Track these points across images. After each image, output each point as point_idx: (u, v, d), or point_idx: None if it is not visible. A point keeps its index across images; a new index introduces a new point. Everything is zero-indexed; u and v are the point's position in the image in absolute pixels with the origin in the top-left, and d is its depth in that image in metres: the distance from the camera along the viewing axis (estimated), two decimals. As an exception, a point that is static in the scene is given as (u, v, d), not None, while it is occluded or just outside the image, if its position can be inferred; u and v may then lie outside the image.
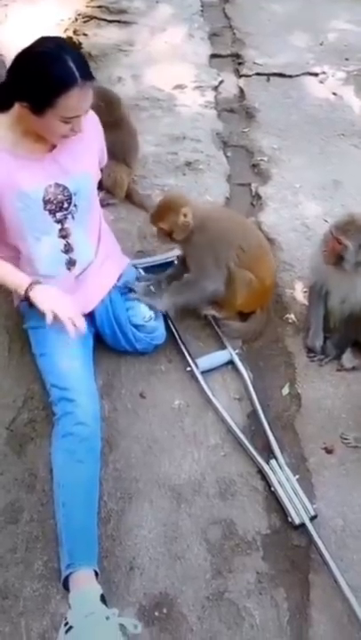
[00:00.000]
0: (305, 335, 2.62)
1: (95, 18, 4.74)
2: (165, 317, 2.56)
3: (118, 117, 3.04)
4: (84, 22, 4.68)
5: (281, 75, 4.33)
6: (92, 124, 2.22)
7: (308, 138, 3.79)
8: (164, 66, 4.28)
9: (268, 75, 4.33)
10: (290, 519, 2.06)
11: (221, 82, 4.25)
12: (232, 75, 4.40)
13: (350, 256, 2.35)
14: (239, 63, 4.49)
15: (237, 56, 4.56)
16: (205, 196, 3.25)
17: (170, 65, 4.30)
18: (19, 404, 2.35)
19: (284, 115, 3.97)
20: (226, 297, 2.58)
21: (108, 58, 4.30)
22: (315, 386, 2.50)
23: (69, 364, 2.22)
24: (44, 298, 2.16)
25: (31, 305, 2.19)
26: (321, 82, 4.29)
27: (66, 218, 2.21)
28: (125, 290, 2.49)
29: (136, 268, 2.70)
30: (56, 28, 4.42)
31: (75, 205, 2.20)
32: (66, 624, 1.77)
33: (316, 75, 4.34)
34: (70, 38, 4.25)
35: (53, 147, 2.12)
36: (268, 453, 2.24)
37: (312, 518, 2.05)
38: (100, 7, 4.85)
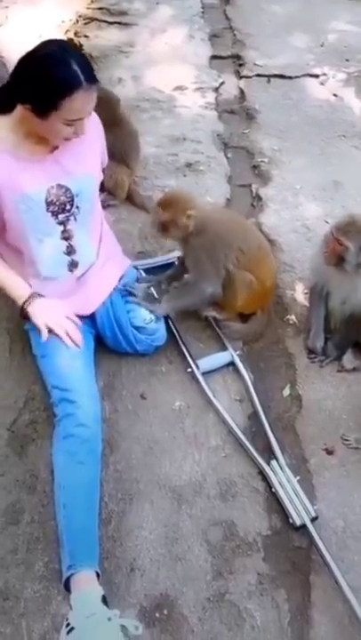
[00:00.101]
0: (306, 336, 2.62)
1: (96, 19, 4.75)
2: (166, 318, 2.57)
3: (117, 117, 3.04)
4: (85, 24, 4.69)
5: (281, 76, 4.34)
6: (93, 125, 2.22)
7: (308, 139, 3.79)
8: (164, 67, 4.29)
9: (269, 76, 4.33)
10: (291, 520, 2.06)
11: (222, 83, 4.26)
12: (232, 76, 4.41)
13: (351, 257, 2.35)
14: (240, 64, 4.50)
15: (238, 57, 4.57)
16: (206, 197, 3.26)
17: (170, 66, 4.30)
18: (20, 405, 2.36)
19: (284, 116, 3.98)
20: (226, 298, 2.58)
21: (109, 59, 4.31)
22: (315, 387, 2.50)
23: (70, 365, 2.22)
24: (40, 312, 2.22)
25: (27, 318, 2.22)
26: (321, 83, 4.29)
27: (68, 219, 2.21)
28: (126, 292, 2.49)
29: (137, 269, 2.70)
30: (57, 29, 4.44)
31: (77, 207, 2.21)
32: (67, 625, 1.77)
33: (316, 76, 4.35)
34: (71, 40, 4.26)
35: (55, 148, 2.13)
36: (269, 454, 2.24)
37: (313, 519, 2.05)
38: (100, 9, 4.86)
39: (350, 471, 2.23)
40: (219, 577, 1.96)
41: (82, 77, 1.89)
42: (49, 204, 2.15)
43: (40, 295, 2.25)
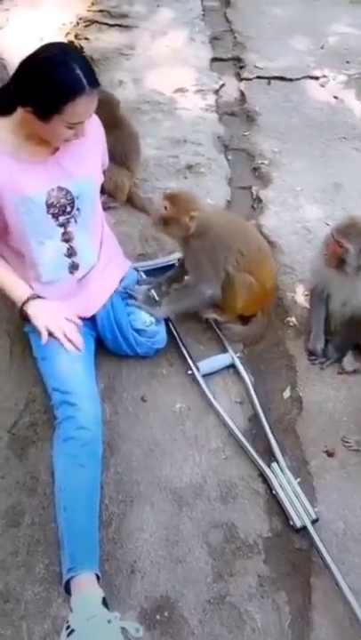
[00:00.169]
0: (306, 338, 2.62)
1: (96, 22, 4.76)
2: (167, 321, 2.57)
3: (117, 119, 3.05)
4: (86, 26, 4.70)
5: (282, 78, 4.34)
6: (94, 127, 2.22)
7: (308, 141, 3.79)
8: (165, 69, 4.29)
9: (269, 78, 4.34)
10: (291, 522, 2.06)
11: (222, 85, 4.27)
12: (233, 78, 4.41)
13: (352, 259, 2.35)
14: (240, 67, 4.50)
15: (238, 60, 4.57)
16: (206, 199, 3.25)
17: (171, 69, 4.31)
18: (20, 407, 2.36)
19: (284, 118, 3.98)
20: (227, 300, 2.58)
21: (110, 62, 4.32)
22: (316, 389, 2.50)
23: (71, 367, 2.22)
24: (40, 314, 2.22)
25: (27, 320, 2.22)
26: (322, 85, 4.29)
27: (69, 221, 2.22)
28: (126, 295, 2.50)
29: (137, 271, 2.70)
30: (57, 32, 4.45)
31: (77, 209, 2.21)
32: (67, 627, 1.77)
33: (316, 78, 4.35)
34: (72, 42, 4.27)
35: (56, 149, 2.13)
36: (270, 456, 2.24)
37: (313, 521, 2.05)
38: (101, 11, 4.87)
39: (351, 473, 2.23)
40: (219, 579, 1.96)
41: (85, 81, 1.89)
42: (49, 206, 2.15)
43: (40, 297, 2.25)
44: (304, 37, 4.79)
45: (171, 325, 2.59)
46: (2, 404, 2.37)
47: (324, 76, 4.35)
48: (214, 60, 4.54)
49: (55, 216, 2.18)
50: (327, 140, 3.81)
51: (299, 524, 2.04)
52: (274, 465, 2.20)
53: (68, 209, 2.20)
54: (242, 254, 2.51)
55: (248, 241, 2.58)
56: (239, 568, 1.99)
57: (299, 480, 2.17)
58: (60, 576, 1.91)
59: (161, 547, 2.02)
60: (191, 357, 2.51)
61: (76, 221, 2.24)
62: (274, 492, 2.14)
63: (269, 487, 2.17)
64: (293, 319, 2.74)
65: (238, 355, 2.57)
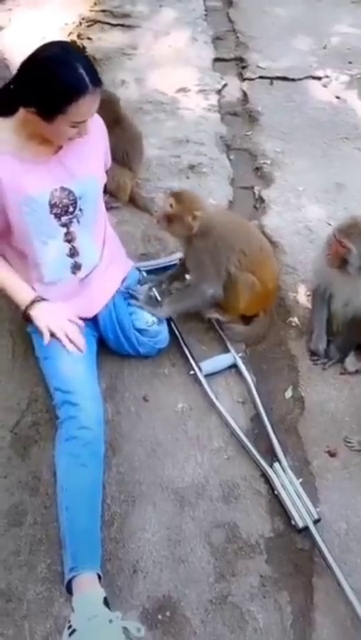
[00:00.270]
0: (308, 338, 2.62)
1: (99, 22, 4.76)
2: (169, 321, 2.57)
3: (118, 117, 3.04)
4: (88, 26, 4.70)
5: (284, 78, 4.34)
6: (96, 126, 2.23)
7: (311, 141, 3.79)
8: (167, 69, 4.29)
9: (272, 78, 4.34)
10: (293, 523, 2.06)
11: (225, 85, 4.27)
12: (235, 78, 4.41)
13: (354, 259, 2.35)
14: (243, 67, 4.50)
15: (241, 60, 4.57)
16: (209, 199, 3.25)
17: (173, 68, 4.31)
18: (23, 406, 2.36)
19: (287, 118, 3.98)
20: (229, 300, 2.58)
21: (112, 61, 4.32)
22: (318, 389, 2.49)
23: (73, 367, 2.22)
24: (42, 316, 2.23)
25: (30, 321, 2.22)
26: (324, 85, 4.29)
27: (71, 222, 2.22)
28: (128, 294, 2.50)
29: (139, 270, 2.70)
30: (60, 32, 4.45)
31: (80, 209, 2.21)
32: (69, 627, 1.77)
33: (319, 78, 4.35)
34: (74, 42, 4.27)
35: (59, 149, 2.13)
36: (272, 457, 2.24)
37: (316, 522, 2.05)
38: (103, 11, 4.87)
39: (353, 473, 2.23)
40: (221, 579, 1.96)
41: (88, 81, 1.89)
42: (52, 206, 2.15)
43: (43, 299, 2.25)
44: (307, 37, 4.79)
45: (173, 325, 2.59)
46: (4, 404, 2.37)
47: (327, 77, 4.35)
48: (217, 59, 4.54)
49: (58, 216, 2.19)
50: (329, 140, 3.80)
51: (301, 525, 2.04)
52: (276, 465, 2.20)
53: (71, 209, 2.20)
54: (244, 254, 2.51)
55: (250, 241, 2.58)
56: (241, 568, 1.98)
57: (301, 480, 2.17)
58: (61, 576, 1.91)
59: (163, 546, 2.02)
60: (193, 357, 2.52)
61: (78, 221, 2.24)
62: (276, 492, 2.14)
63: (271, 487, 2.17)
64: (295, 319, 2.73)
65: (240, 355, 2.57)
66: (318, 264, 2.58)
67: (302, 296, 2.81)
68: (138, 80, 4.16)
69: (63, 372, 2.22)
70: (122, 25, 4.76)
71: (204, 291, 2.52)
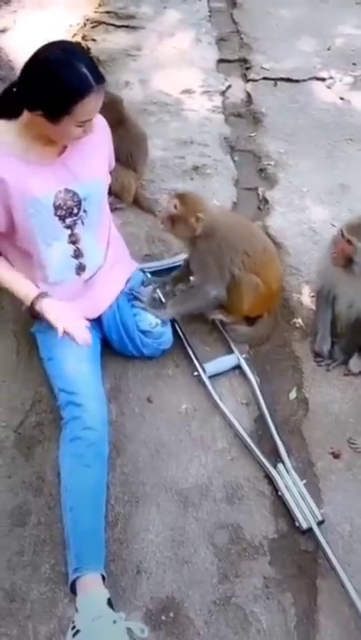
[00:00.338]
0: (312, 340, 2.62)
1: (103, 23, 4.77)
2: (173, 322, 2.57)
3: (122, 118, 3.04)
4: (93, 28, 4.71)
5: (288, 79, 4.34)
6: (100, 127, 2.23)
7: (315, 142, 3.79)
8: (171, 71, 4.30)
9: (276, 79, 4.34)
10: (297, 524, 2.06)
11: (229, 87, 4.27)
12: (239, 79, 4.42)
13: (360, 258, 2.35)
14: (247, 68, 4.51)
15: (245, 61, 4.58)
16: (213, 200, 3.25)
17: (177, 70, 4.32)
18: (27, 407, 2.36)
19: (291, 119, 3.98)
20: (233, 301, 2.58)
21: (117, 63, 4.33)
22: (322, 390, 2.49)
23: (77, 368, 2.23)
24: (52, 309, 2.22)
25: (35, 316, 2.23)
26: (328, 86, 4.29)
27: (75, 223, 2.22)
28: (131, 296, 2.50)
29: (144, 272, 2.70)
30: (65, 33, 4.45)
31: (84, 211, 2.21)
32: (73, 628, 1.77)
33: (323, 79, 4.35)
34: (79, 44, 4.27)
35: (63, 150, 2.13)
36: (276, 458, 2.24)
37: (319, 523, 2.05)
38: (108, 13, 4.88)
39: (357, 475, 2.23)
40: (225, 580, 1.96)
41: (91, 79, 1.89)
42: (57, 208, 2.16)
43: (47, 294, 2.25)
44: (311, 39, 4.79)
45: (177, 326, 2.59)
46: (8, 404, 2.38)
47: (331, 78, 4.35)
48: (221, 61, 4.54)
49: (62, 218, 2.19)
50: (333, 141, 3.80)
51: (305, 526, 2.04)
52: (280, 466, 2.20)
53: (75, 211, 2.20)
54: (248, 255, 2.51)
55: (254, 242, 2.58)
56: (245, 569, 1.98)
57: (305, 481, 2.17)
58: (65, 576, 1.91)
59: (167, 547, 2.02)
60: (197, 358, 2.51)
61: (82, 223, 2.24)
62: (280, 493, 2.14)
63: (275, 488, 2.17)
64: (299, 320, 2.73)
65: (244, 356, 2.57)
66: (323, 265, 2.57)
67: (306, 297, 2.81)
68: (142, 81, 4.17)
69: (67, 372, 2.22)
70: (126, 26, 4.77)
71: (208, 292, 2.53)
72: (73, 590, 1.87)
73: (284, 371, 2.60)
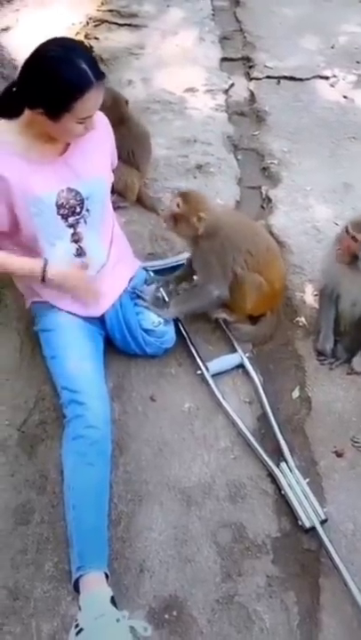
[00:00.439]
0: (315, 338, 2.62)
1: (106, 21, 4.77)
2: (176, 320, 2.57)
3: (123, 116, 3.04)
4: (95, 26, 4.71)
5: (292, 78, 4.33)
6: (102, 126, 2.23)
7: (318, 141, 3.79)
8: (174, 69, 4.29)
9: (279, 78, 4.33)
10: (300, 523, 2.05)
11: (232, 85, 4.27)
12: (243, 78, 4.41)
13: None
14: (250, 66, 4.50)
15: (248, 59, 4.57)
16: (216, 199, 3.25)
17: (181, 68, 4.31)
18: (30, 405, 2.37)
19: (294, 118, 3.97)
20: (236, 300, 2.58)
21: (119, 61, 4.32)
22: (325, 389, 2.49)
23: (79, 366, 2.23)
24: (61, 275, 2.23)
25: (46, 282, 2.22)
26: (332, 85, 4.28)
27: (78, 222, 2.22)
28: (134, 295, 2.50)
29: (147, 270, 2.70)
30: (67, 31, 4.44)
31: (87, 210, 2.21)
32: (76, 626, 1.77)
33: (326, 78, 4.34)
34: (81, 42, 4.27)
35: (65, 148, 2.13)
36: (279, 456, 2.24)
37: (322, 522, 2.04)
38: (111, 11, 4.88)
39: (360, 474, 2.23)
40: (228, 579, 1.96)
41: (91, 75, 1.89)
42: (59, 207, 2.16)
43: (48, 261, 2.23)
44: (314, 37, 4.78)
45: (180, 325, 2.59)
46: (12, 402, 2.38)
47: (334, 76, 4.34)
48: (224, 59, 4.54)
49: (65, 217, 2.19)
50: (337, 139, 3.80)
51: (308, 525, 2.04)
52: (283, 465, 2.20)
53: (78, 209, 2.20)
54: (251, 254, 2.51)
55: (257, 241, 2.58)
56: (248, 568, 1.98)
57: (308, 480, 2.16)
58: (69, 574, 1.91)
59: (170, 546, 2.02)
60: (200, 357, 2.52)
61: (85, 222, 2.24)
62: (283, 492, 2.14)
63: (278, 487, 2.17)
64: (303, 319, 2.73)
65: (247, 354, 2.57)
66: (326, 263, 2.57)
67: (309, 296, 2.81)
68: (145, 80, 4.17)
69: (70, 370, 2.22)
70: (129, 25, 4.76)
71: (211, 291, 2.52)
72: (76, 588, 1.87)
73: (287, 369, 2.60)
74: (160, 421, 2.35)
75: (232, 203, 3.31)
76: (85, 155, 2.17)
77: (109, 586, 1.85)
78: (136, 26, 4.76)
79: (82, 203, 2.19)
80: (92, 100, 1.93)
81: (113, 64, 4.26)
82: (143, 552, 2.01)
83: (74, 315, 2.34)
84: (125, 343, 2.47)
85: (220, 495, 2.15)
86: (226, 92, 4.18)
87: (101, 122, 2.22)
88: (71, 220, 2.21)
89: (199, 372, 2.49)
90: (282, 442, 2.27)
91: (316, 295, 2.76)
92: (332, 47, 4.67)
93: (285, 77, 4.34)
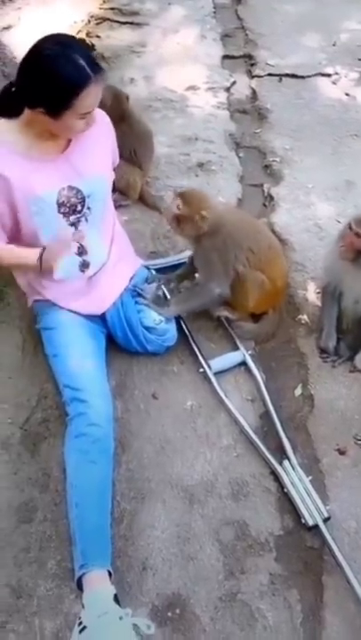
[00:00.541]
0: (318, 336, 2.61)
1: (108, 20, 4.77)
2: (178, 318, 2.57)
3: (124, 113, 3.03)
4: (97, 24, 4.71)
5: (293, 75, 4.32)
6: (103, 124, 2.23)
7: (320, 138, 3.78)
8: (176, 67, 4.29)
9: (281, 75, 4.32)
10: (303, 520, 2.05)
11: (234, 83, 4.26)
12: (244, 76, 4.40)
13: None
14: (251, 64, 4.49)
15: (250, 57, 4.56)
16: (218, 197, 3.25)
17: (182, 66, 4.31)
18: (32, 403, 2.37)
19: (296, 115, 3.97)
20: (238, 298, 2.58)
21: (121, 59, 4.32)
22: (327, 387, 2.49)
23: (81, 364, 2.23)
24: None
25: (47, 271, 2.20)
26: (333, 82, 4.27)
27: (79, 220, 2.22)
28: (135, 293, 2.50)
29: (148, 269, 2.70)
30: (69, 30, 4.44)
31: (88, 208, 2.21)
32: (79, 624, 1.78)
33: (328, 75, 4.33)
34: (83, 40, 4.27)
35: (67, 145, 2.13)
36: (281, 454, 2.24)
37: (325, 520, 2.04)
38: (112, 9, 4.88)
39: (363, 471, 2.23)
40: (231, 577, 1.96)
41: (89, 70, 1.89)
42: (60, 205, 2.16)
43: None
44: (316, 34, 4.77)
45: (182, 323, 2.59)
46: (14, 400, 2.38)
47: (336, 74, 4.33)
48: (226, 57, 4.53)
49: (66, 215, 2.19)
50: (339, 137, 3.79)
51: (310, 522, 2.03)
52: (285, 463, 2.20)
53: (79, 208, 2.20)
54: (253, 252, 2.51)
55: (259, 239, 2.57)
56: (250, 566, 1.98)
57: (310, 478, 2.16)
58: (72, 572, 1.91)
59: (172, 544, 2.02)
60: (202, 355, 2.51)
61: (86, 220, 2.24)
62: (285, 489, 2.14)
63: (281, 485, 2.16)
64: (305, 317, 2.73)
65: (250, 352, 2.56)
66: (329, 260, 2.57)
67: (312, 293, 2.80)
68: (147, 78, 4.16)
69: (72, 368, 2.23)
70: (131, 23, 4.76)
71: (212, 290, 2.52)
72: (79, 586, 1.87)
73: (289, 367, 2.60)
74: (162, 419, 2.35)
75: (234, 200, 3.31)
76: (87, 153, 2.17)
77: (112, 584, 1.85)
78: (138, 24, 4.75)
79: (83, 201, 2.19)
80: (92, 94, 1.93)
81: (115, 62, 4.26)
82: (146, 550, 2.01)
83: (75, 313, 2.34)
84: (127, 341, 2.47)
85: (223, 493, 2.15)
86: (227, 89, 4.17)
87: (102, 120, 2.22)
88: (72, 218, 2.21)
89: (201, 369, 2.48)
90: (284, 439, 2.27)
91: (318, 293, 2.76)
92: (334, 44, 4.66)
93: (287, 75, 4.33)
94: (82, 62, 1.88)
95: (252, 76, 4.37)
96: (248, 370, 2.52)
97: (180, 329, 2.56)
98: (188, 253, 2.79)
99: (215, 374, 2.46)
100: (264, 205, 3.38)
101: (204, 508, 2.11)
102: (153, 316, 2.46)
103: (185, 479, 2.18)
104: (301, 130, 3.84)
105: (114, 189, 2.51)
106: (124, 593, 1.89)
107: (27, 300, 2.46)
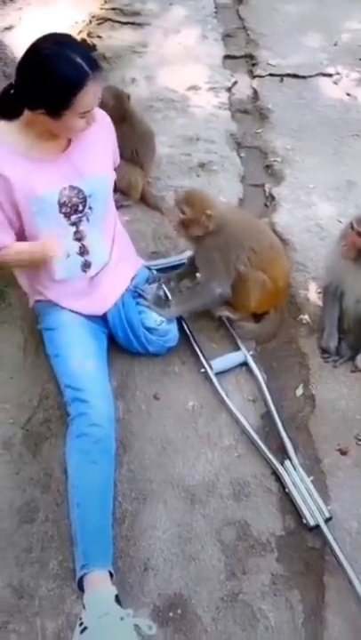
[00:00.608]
0: (319, 336, 2.61)
1: (109, 20, 4.76)
2: (179, 319, 2.56)
3: (124, 113, 3.03)
4: (98, 24, 4.70)
5: (295, 75, 4.32)
6: (104, 124, 2.23)
7: (321, 138, 3.78)
8: (177, 67, 4.29)
9: (282, 75, 4.32)
10: (304, 521, 2.05)
11: (235, 83, 4.26)
12: (246, 76, 4.40)
13: None
14: (253, 64, 4.48)
15: (251, 57, 4.56)
16: (219, 197, 3.24)
17: (183, 66, 4.30)
18: (34, 403, 2.37)
19: (297, 115, 3.96)
20: (239, 298, 2.58)
21: (122, 59, 4.31)
22: (329, 387, 2.49)
23: (83, 364, 2.23)
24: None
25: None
26: (335, 82, 4.27)
27: (80, 220, 2.22)
28: (136, 294, 2.50)
29: (150, 269, 2.70)
30: (70, 30, 4.42)
31: (89, 207, 2.21)
32: (81, 624, 1.78)
33: (329, 75, 4.32)
34: (84, 40, 4.27)
35: (68, 145, 2.13)
36: (283, 454, 2.24)
37: (327, 520, 2.04)
38: (113, 9, 4.87)
39: (364, 471, 2.23)
40: (232, 577, 1.96)
41: (87, 68, 1.89)
42: (61, 205, 2.16)
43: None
44: (317, 34, 4.76)
45: (183, 323, 2.59)
46: (16, 400, 2.38)
47: (338, 74, 4.32)
48: (227, 57, 4.52)
49: (67, 215, 2.19)
50: (340, 137, 3.79)
51: (312, 523, 2.03)
52: (287, 463, 2.19)
53: (80, 208, 2.20)
54: (254, 252, 2.51)
55: (260, 239, 2.57)
56: (252, 566, 1.98)
57: (312, 478, 2.16)
58: (73, 573, 1.92)
59: (174, 544, 2.02)
60: (204, 355, 2.51)
61: (88, 220, 2.24)
62: (287, 490, 2.14)
63: (282, 485, 2.16)
64: (306, 317, 2.73)
65: (251, 352, 2.56)
66: (330, 260, 2.57)
67: (313, 293, 2.80)
68: (148, 78, 4.16)
69: (73, 369, 2.23)
70: (132, 23, 4.75)
71: (213, 290, 2.52)
72: (80, 587, 1.87)
73: (290, 367, 2.60)
74: (164, 420, 2.35)
75: (235, 200, 3.31)
76: (87, 153, 2.17)
77: (114, 584, 1.86)
78: (139, 24, 4.75)
79: (84, 201, 2.20)
80: (91, 92, 1.93)
81: (116, 62, 4.25)
82: (147, 550, 2.01)
83: (77, 313, 2.34)
84: (128, 342, 2.47)
85: (224, 493, 2.15)
86: (229, 89, 4.17)
87: (103, 120, 2.22)
88: (74, 218, 2.21)
89: (203, 370, 2.48)
90: (286, 440, 2.27)
91: (319, 293, 2.75)
92: (336, 44, 4.65)
93: (288, 75, 4.32)
94: (79, 60, 1.89)
95: (254, 76, 4.36)
96: (249, 370, 2.52)
97: (181, 329, 2.56)
98: (188, 253, 2.79)
99: (216, 374, 2.46)
100: (265, 205, 3.38)
101: (205, 508, 2.11)
102: (154, 317, 2.46)
103: (186, 479, 2.18)
104: (303, 130, 3.84)
105: (115, 189, 2.51)
106: (126, 593, 1.89)
107: (28, 300, 2.47)
